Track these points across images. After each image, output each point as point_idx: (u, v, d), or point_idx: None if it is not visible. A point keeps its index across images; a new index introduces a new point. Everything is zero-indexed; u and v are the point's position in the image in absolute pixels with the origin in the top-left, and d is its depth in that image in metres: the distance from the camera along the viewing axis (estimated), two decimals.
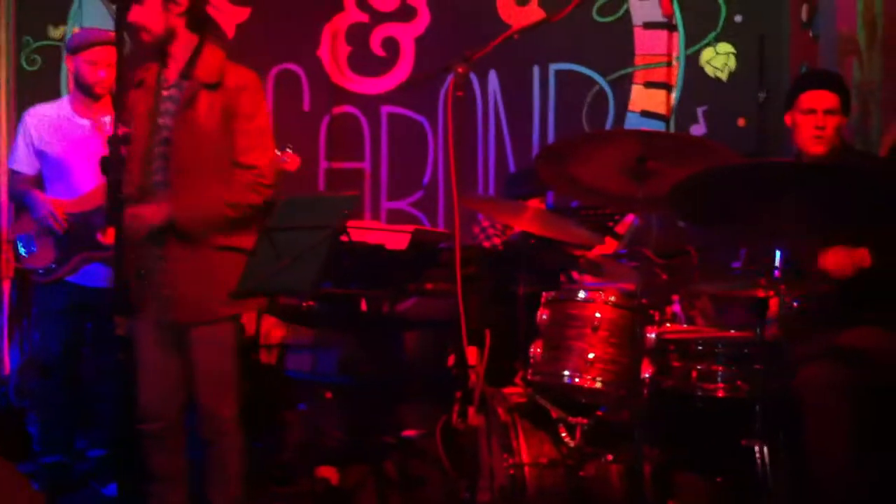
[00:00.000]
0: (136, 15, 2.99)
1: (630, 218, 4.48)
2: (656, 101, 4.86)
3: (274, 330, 4.50)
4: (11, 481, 2.71)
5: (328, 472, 3.70)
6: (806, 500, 2.90)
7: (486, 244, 4.28)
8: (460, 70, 3.05)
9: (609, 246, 4.00)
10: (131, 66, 3.04)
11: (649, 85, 4.87)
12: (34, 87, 4.88)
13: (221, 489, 3.09)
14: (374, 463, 3.77)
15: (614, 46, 4.89)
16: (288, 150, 3.89)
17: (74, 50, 4.00)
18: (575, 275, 3.78)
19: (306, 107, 5.11)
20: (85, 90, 4.00)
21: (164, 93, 3.07)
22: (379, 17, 5.06)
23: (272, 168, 3.12)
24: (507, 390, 3.27)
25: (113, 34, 3.99)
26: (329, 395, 4.31)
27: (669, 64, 4.85)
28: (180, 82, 3.05)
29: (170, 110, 3.05)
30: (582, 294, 3.08)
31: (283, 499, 3.81)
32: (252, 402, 3.36)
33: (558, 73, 4.95)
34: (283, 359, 4.50)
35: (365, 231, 4.08)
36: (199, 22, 3.07)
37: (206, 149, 3.02)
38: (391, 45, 5.08)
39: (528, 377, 3.10)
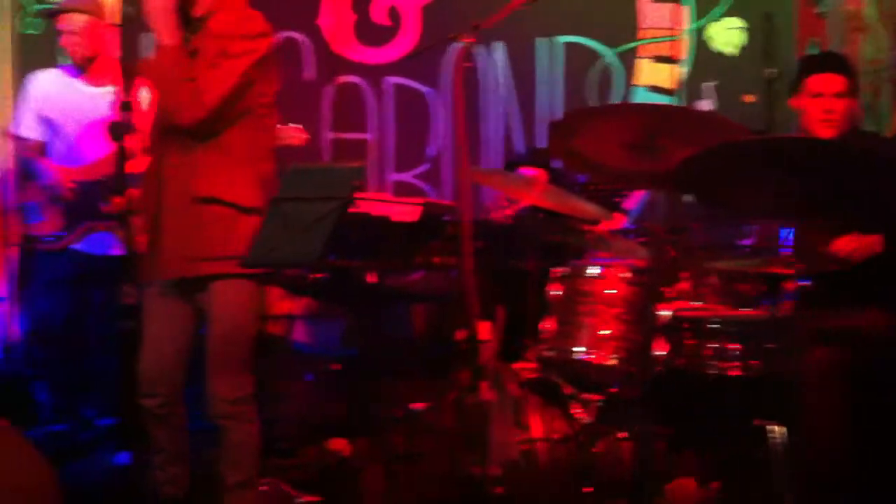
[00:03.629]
0: None
1: (639, 193, 4.48)
2: (663, 75, 4.83)
3: (280, 301, 4.49)
4: (20, 449, 2.70)
5: (339, 445, 3.70)
6: (803, 482, 2.92)
7: (494, 217, 4.27)
8: (468, 40, 3.02)
9: (617, 221, 4.00)
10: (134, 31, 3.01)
11: (657, 59, 4.84)
12: (34, 51, 4.81)
13: (234, 469, 3.07)
14: (380, 436, 3.77)
15: (621, 20, 4.86)
16: (295, 125, 3.88)
17: (49, 15, 3.98)
18: (583, 250, 3.78)
19: (308, 76, 5.07)
20: (73, 64, 3.99)
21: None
22: None
23: (207, 103, 2.91)
24: (518, 366, 3.27)
25: (86, 2, 3.96)
26: (336, 367, 4.31)
27: (675, 38, 4.82)
28: (189, 36, 3.00)
29: None
30: (595, 270, 3.07)
31: (288, 470, 3.80)
32: (257, 374, 3.34)
33: (565, 45, 4.92)
34: (290, 330, 4.49)
35: (370, 203, 4.07)
36: None
37: None
38: (396, 14, 5.03)
39: (540, 353, 3.10)
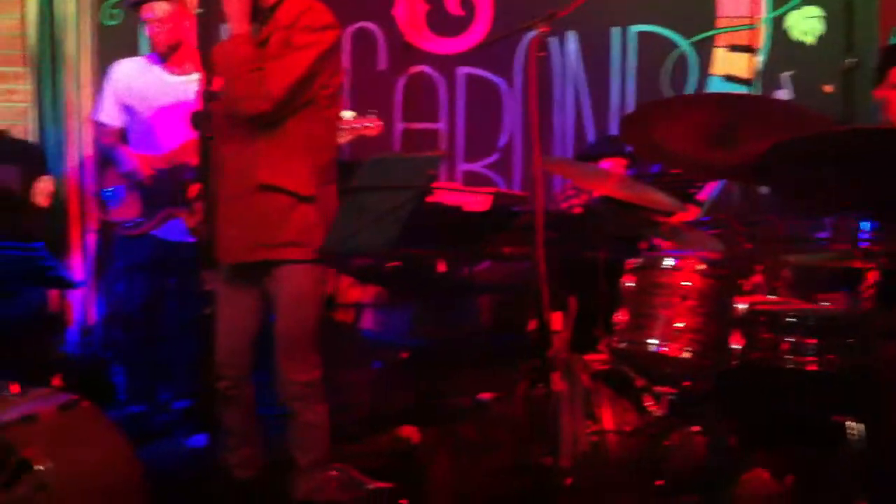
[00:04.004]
0: None
1: (712, 184, 4.42)
2: (740, 65, 4.75)
3: (351, 289, 4.53)
4: (104, 429, 2.77)
5: (409, 432, 3.73)
6: (880, 479, 2.85)
7: (564, 207, 4.25)
8: (542, 29, 3.00)
9: (690, 213, 3.95)
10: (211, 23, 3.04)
11: (733, 48, 4.76)
12: (114, 42, 4.92)
13: (305, 451, 3.12)
14: (449, 425, 3.79)
15: (696, 8, 4.79)
16: (371, 114, 3.91)
17: (133, 7, 4.06)
18: (657, 242, 3.74)
19: (382, 66, 5.10)
20: (155, 53, 4.07)
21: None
22: None
23: (282, 95, 2.98)
24: (589, 357, 3.25)
25: None
26: (405, 355, 4.33)
27: (753, 27, 4.73)
28: (259, 28, 3.04)
29: None
30: (670, 262, 3.04)
31: (357, 457, 3.84)
32: (327, 361, 3.38)
33: (639, 34, 4.87)
34: (359, 318, 4.53)
35: (442, 192, 4.08)
36: None
37: None
38: (469, 4, 5.03)
39: (613, 345, 3.08)
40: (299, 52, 2.96)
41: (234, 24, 2.98)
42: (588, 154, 4.51)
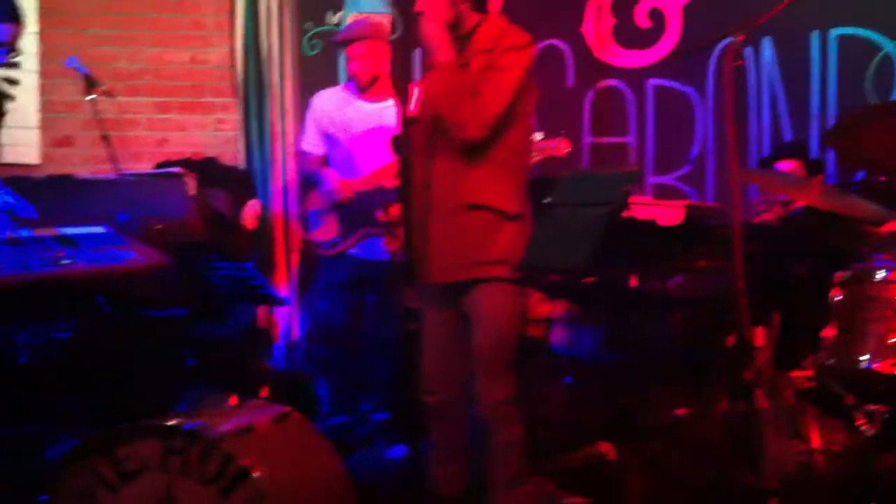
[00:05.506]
0: (422, 5, 3.06)
1: None
2: None
3: (539, 304, 4.54)
4: (313, 439, 2.89)
5: (605, 448, 3.70)
6: None
7: (759, 220, 4.13)
8: (739, 38, 2.93)
9: None
10: (405, 50, 3.15)
11: None
12: (315, 71, 5.15)
13: (501, 468, 3.13)
14: (643, 442, 3.73)
15: None
16: (560, 135, 3.94)
17: (337, 45, 4.25)
18: (866, 253, 3.56)
19: (570, 82, 5.10)
20: (353, 81, 4.24)
21: None
22: None
23: (490, 124, 2.99)
24: (793, 374, 3.13)
25: (369, 27, 4.20)
26: (595, 371, 4.30)
27: None
28: (459, 54, 3.09)
29: None
30: (882, 274, 2.89)
31: (551, 472, 3.84)
32: (518, 376, 3.40)
33: (840, 38, 4.66)
34: (549, 333, 4.53)
35: (636, 206, 4.04)
36: (482, 2, 3.11)
37: None
38: (657, 15, 4.97)
39: (820, 361, 2.96)
40: (506, 73, 2.99)
41: (440, 53, 3.03)
42: (765, 159, 4.40)
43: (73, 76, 3.56)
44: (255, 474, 2.48)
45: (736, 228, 2.84)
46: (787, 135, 4.77)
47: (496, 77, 2.99)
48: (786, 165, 4.22)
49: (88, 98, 3.44)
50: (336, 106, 4.28)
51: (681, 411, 3.94)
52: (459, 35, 3.09)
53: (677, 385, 4.12)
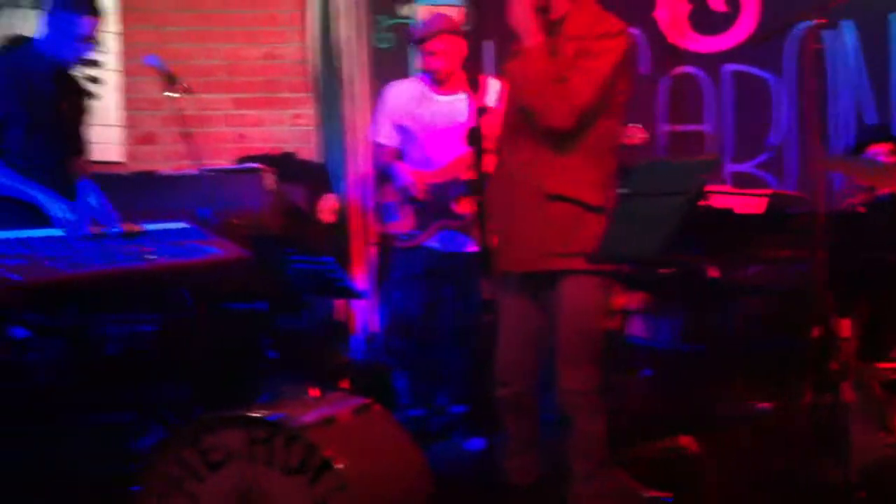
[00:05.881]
0: None
1: None
2: None
3: (616, 295, 4.51)
4: (395, 431, 2.92)
5: (686, 440, 3.66)
6: None
7: (847, 206, 4.04)
8: (818, 21, 2.86)
9: None
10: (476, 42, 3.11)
11: None
12: (387, 64, 5.17)
13: (582, 459, 3.12)
14: (727, 434, 3.68)
15: None
16: (634, 124, 3.92)
17: (416, 42, 4.26)
18: None
19: (645, 70, 5.04)
20: (429, 75, 4.25)
21: None
22: None
23: (584, 107, 2.96)
24: (882, 365, 3.06)
25: (446, 22, 4.20)
26: (674, 362, 4.26)
27: None
28: (547, 39, 3.05)
29: None
30: None
31: (631, 465, 3.81)
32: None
33: None
34: (626, 325, 4.50)
35: (714, 195, 3.99)
36: None
37: None
38: (733, 0, 4.88)
39: None
40: (599, 60, 2.94)
41: (527, 37, 2.98)
42: (853, 147, 4.30)
43: (154, 74, 3.63)
44: (338, 465, 2.51)
45: (819, 216, 2.78)
46: (870, 119, 4.65)
47: (587, 64, 2.93)
48: (878, 149, 4.12)
49: (168, 95, 3.50)
50: (410, 98, 4.29)
51: (764, 404, 3.88)
52: (549, 20, 3.04)
53: (760, 377, 4.06)
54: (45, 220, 3.29)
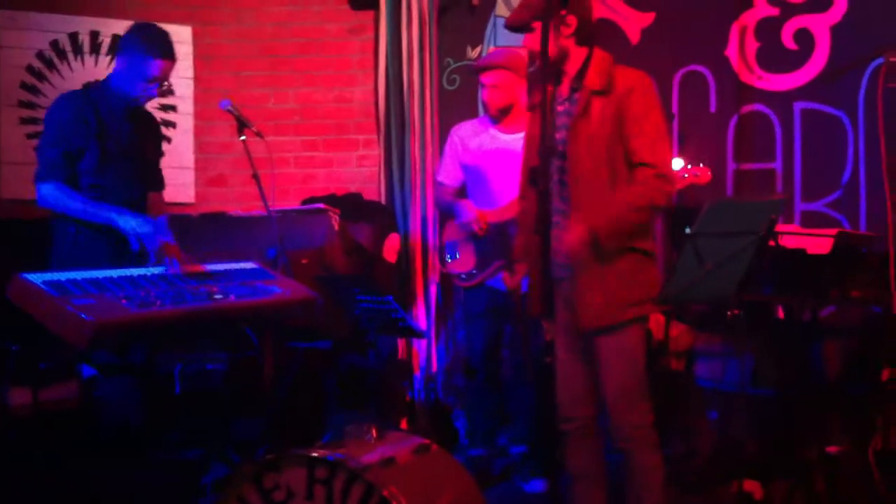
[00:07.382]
0: (529, 41, 3.08)
1: None
2: None
3: (683, 336, 4.45)
4: (454, 472, 2.91)
5: (751, 486, 3.58)
6: None
7: None
8: (891, 58, 2.82)
9: None
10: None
11: None
12: (453, 105, 5.23)
13: (642, 494, 3.10)
14: (796, 478, 3.59)
15: None
16: (700, 164, 3.91)
17: (474, 72, 4.31)
18: None
19: (713, 108, 5.00)
20: (485, 109, 4.29)
21: (559, 108, 3.13)
22: (790, 10, 4.83)
23: (671, 165, 3.09)
24: None
25: (503, 58, 4.24)
26: (744, 404, 4.17)
27: None
28: (572, 95, 3.10)
29: (564, 124, 3.09)
30: None
31: None
32: (661, 409, 3.33)
33: None
34: (693, 366, 4.43)
35: (782, 235, 3.93)
36: (588, 36, 3.10)
37: (601, 156, 3.02)
38: (804, 37, 4.82)
39: None
40: (650, 120, 3.02)
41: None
42: None
43: (226, 118, 3.72)
44: None
45: (891, 256, 2.72)
46: None
47: (643, 128, 3.00)
48: None
49: (240, 139, 3.59)
50: (473, 137, 4.33)
51: (833, 448, 3.78)
52: (567, 72, 3.10)
53: (830, 420, 3.96)
54: (122, 254, 3.37)
